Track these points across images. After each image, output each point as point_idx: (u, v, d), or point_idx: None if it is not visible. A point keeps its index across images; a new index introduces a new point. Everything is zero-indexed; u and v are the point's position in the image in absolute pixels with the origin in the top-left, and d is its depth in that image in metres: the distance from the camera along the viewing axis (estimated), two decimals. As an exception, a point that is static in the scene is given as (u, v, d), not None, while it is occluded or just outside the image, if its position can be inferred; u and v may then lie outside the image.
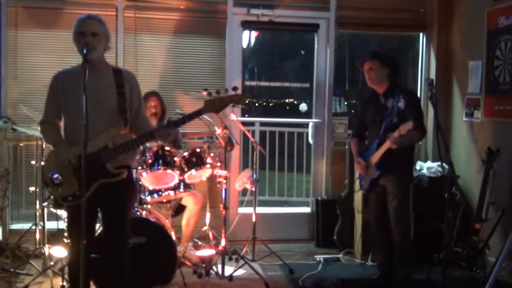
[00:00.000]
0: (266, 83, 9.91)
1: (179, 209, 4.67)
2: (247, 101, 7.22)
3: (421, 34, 5.72)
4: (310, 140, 5.71)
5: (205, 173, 4.45)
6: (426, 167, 5.17)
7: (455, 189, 4.60)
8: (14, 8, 4.92)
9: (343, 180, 5.34)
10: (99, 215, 3.23)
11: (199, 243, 4.80)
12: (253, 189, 4.84)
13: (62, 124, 3.18)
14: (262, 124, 7.14)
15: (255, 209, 4.83)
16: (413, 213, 4.68)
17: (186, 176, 4.33)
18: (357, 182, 4.40)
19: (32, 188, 4.49)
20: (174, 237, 3.93)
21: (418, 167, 5.26)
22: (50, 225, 4.37)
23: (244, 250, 4.68)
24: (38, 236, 4.42)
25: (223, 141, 4.34)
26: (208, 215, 4.77)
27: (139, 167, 4.14)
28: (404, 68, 6.05)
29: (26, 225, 4.72)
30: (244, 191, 5.17)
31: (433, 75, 5.54)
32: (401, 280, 4.11)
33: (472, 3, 5.15)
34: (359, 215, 4.92)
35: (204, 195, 4.77)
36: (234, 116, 4.69)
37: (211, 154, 4.44)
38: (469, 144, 5.12)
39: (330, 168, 5.56)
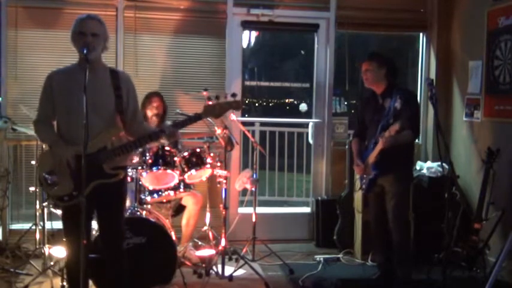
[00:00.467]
0: (266, 83, 9.92)
1: (179, 209, 4.67)
2: (247, 101, 7.23)
3: (421, 34, 5.72)
4: (310, 140, 5.71)
5: (205, 173, 4.45)
6: (426, 167, 5.17)
7: (455, 189, 4.60)
8: (14, 8, 4.92)
9: (343, 180, 5.34)
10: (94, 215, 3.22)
11: (199, 243, 4.80)
12: (253, 189, 4.84)
13: (55, 123, 3.16)
14: (262, 124, 7.14)
15: (255, 209, 4.83)
16: (413, 213, 4.69)
17: (186, 176, 4.33)
18: (358, 182, 4.40)
19: (32, 188, 4.48)
20: (174, 237, 3.93)
21: (418, 167, 5.26)
22: (50, 225, 4.36)
23: (244, 250, 4.68)
24: (38, 236, 4.42)
25: (223, 141, 4.34)
26: (208, 215, 4.77)
27: (139, 167, 4.14)
28: (404, 68, 6.06)
29: (26, 225, 4.72)
30: (244, 191, 5.17)
31: (433, 75, 5.54)
32: (401, 280, 4.11)
33: (472, 3, 5.15)
34: (359, 215, 4.92)
35: (204, 195, 4.78)
36: (234, 116, 4.69)
37: (211, 154, 4.44)
38: (469, 144, 5.12)
39: (330, 168, 5.56)
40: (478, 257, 4.14)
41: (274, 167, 6.93)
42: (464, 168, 5.06)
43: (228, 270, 4.28)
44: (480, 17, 4.90)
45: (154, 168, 4.15)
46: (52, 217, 4.26)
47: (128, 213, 3.91)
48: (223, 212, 4.32)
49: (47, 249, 4.21)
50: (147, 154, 4.17)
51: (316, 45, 5.59)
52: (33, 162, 4.47)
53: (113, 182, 3.04)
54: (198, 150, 4.40)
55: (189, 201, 4.58)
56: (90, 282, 3.39)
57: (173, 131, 3.17)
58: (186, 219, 4.60)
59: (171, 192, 4.33)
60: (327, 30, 5.51)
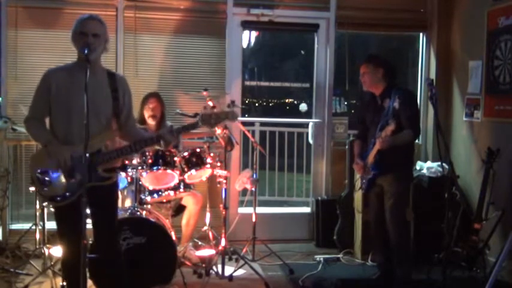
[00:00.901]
0: (266, 83, 9.93)
1: (179, 209, 4.67)
2: (247, 101, 7.23)
3: (421, 34, 5.72)
4: (310, 140, 5.71)
5: (205, 173, 4.45)
6: (426, 167, 5.17)
7: (455, 189, 4.60)
8: (14, 8, 4.92)
9: (343, 180, 5.34)
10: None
11: (199, 243, 4.80)
12: (253, 189, 4.84)
13: (47, 122, 3.13)
14: (262, 124, 7.14)
15: (255, 209, 4.83)
16: (413, 213, 4.69)
17: (186, 176, 4.33)
18: (358, 182, 4.41)
19: (32, 188, 4.47)
20: (174, 237, 3.93)
21: (418, 167, 5.26)
22: (50, 225, 4.36)
23: (244, 250, 4.68)
24: (38, 236, 4.42)
25: (223, 141, 4.34)
26: (208, 215, 4.77)
27: (139, 167, 4.14)
28: (404, 68, 6.06)
29: (26, 225, 4.72)
30: (244, 191, 5.17)
31: (433, 75, 5.54)
32: (400, 280, 4.11)
33: (472, 3, 5.15)
34: (359, 215, 4.92)
35: (204, 195, 4.78)
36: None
37: (211, 154, 4.44)
38: (469, 144, 5.12)
39: (330, 168, 5.56)
40: (478, 257, 4.14)
41: (274, 167, 6.93)
42: (464, 168, 5.06)
43: (228, 270, 4.28)
44: (480, 17, 4.90)
45: (154, 168, 4.15)
46: (52, 217, 4.24)
47: (128, 213, 3.92)
48: (223, 212, 4.32)
49: (47, 249, 4.21)
50: (147, 154, 4.17)
51: (316, 45, 5.59)
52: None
53: (106, 184, 3.05)
54: (198, 150, 4.40)
55: (189, 201, 4.58)
56: (90, 283, 3.38)
57: (170, 139, 3.14)
58: (186, 219, 4.60)
59: (171, 192, 4.33)
60: (327, 30, 5.51)
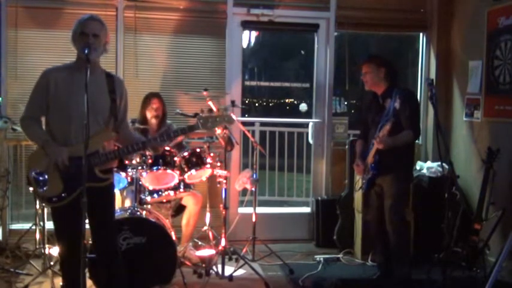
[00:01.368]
0: (266, 83, 9.93)
1: (179, 209, 4.67)
2: (247, 101, 7.23)
3: (421, 34, 5.72)
4: (310, 140, 5.71)
5: (205, 173, 4.45)
6: (426, 167, 5.17)
7: (455, 189, 4.60)
8: (14, 8, 4.92)
9: (343, 180, 5.34)
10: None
11: (199, 243, 4.80)
12: (253, 189, 4.84)
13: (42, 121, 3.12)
14: (262, 124, 7.14)
15: (255, 209, 4.83)
16: (413, 213, 4.69)
17: (186, 176, 4.33)
18: (359, 182, 4.41)
19: (31, 188, 4.47)
20: (174, 237, 3.92)
21: (418, 167, 5.26)
22: (50, 225, 4.35)
23: (244, 250, 4.68)
24: (38, 236, 4.42)
25: (223, 141, 4.34)
26: (208, 215, 4.77)
27: (139, 167, 4.14)
28: (404, 68, 6.06)
29: (26, 225, 4.72)
30: (244, 191, 5.17)
31: (433, 75, 5.54)
32: (399, 280, 4.11)
33: (472, 3, 5.15)
34: (359, 215, 4.92)
35: (204, 195, 4.77)
36: (234, 116, 4.68)
37: (211, 154, 4.44)
38: (469, 144, 5.12)
39: (330, 168, 5.56)
40: (478, 257, 4.14)
41: (274, 167, 6.93)
42: (464, 168, 5.06)
43: (228, 270, 4.28)
44: (480, 17, 4.90)
45: (154, 168, 4.16)
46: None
47: (127, 213, 3.92)
48: (223, 212, 4.32)
49: (47, 249, 4.21)
50: (147, 154, 4.17)
51: (316, 45, 5.59)
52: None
53: (103, 185, 3.05)
54: (198, 150, 4.40)
55: (189, 201, 4.58)
56: (90, 283, 3.38)
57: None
58: (186, 219, 4.60)
59: (171, 192, 4.33)
60: (327, 30, 5.51)
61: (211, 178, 4.64)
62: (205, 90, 4.41)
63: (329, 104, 5.56)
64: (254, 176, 4.78)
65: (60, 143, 2.98)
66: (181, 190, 4.40)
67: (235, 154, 5.33)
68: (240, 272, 4.40)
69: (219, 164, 4.43)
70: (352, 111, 6.69)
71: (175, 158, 4.25)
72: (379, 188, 4.16)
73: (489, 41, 4.79)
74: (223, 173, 4.36)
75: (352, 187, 5.07)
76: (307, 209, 5.76)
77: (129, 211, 3.96)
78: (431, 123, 5.52)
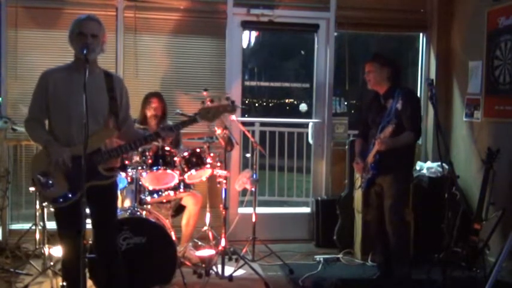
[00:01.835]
0: (266, 83, 9.93)
1: (179, 209, 4.66)
2: (247, 101, 7.23)
3: (421, 34, 5.72)
4: (310, 140, 5.71)
5: (205, 173, 4.45)
6: (426, 167, 5.17)
7: (455, 189, 4.60)
8: (14, 8, 4.92)
9: (343, 180, 5.34)
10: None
11: (199, 243, 4.80)
12: (253, 189, 4.84)
13: (46, 123, 3.13)
14: (262, 124, 7.14)
15: (254, 209, 4.83)
16: (413, 213, 4.69)
17: (186, 176, 4.32)
18: (359, 180, 4.41)
19: (32, 188, 4.46)
20: (174, 237, 3.92)
21: (418, 167, 5.26)
22: (50, 225, 4.36)
23: (244, 250, 4.68)
24: (38, 236, 4.42)
25: (223, 141, 4.33)
26: (208, 215, 4.77)
27: (139, 167, 4.14)
28: (404, 68, 6.05)
29: (26, 225, 4.72)
30: (244, 191, 5.17)
31: (433, 75, 5.54)
32: (399, 280, 4.11)
33: (472, 3, 5.15)
34: (359, 215, 4.91)
35: (204, 195, 4.77)
36: (234, 116, 4.69)
37: (211, 154, 4.44)
38: (469, 144, 5.12)
39: (330, 168, 5.56)
40: (478, 257, 4.14)
41: (274, 167, 6.93)
42: (464, 168, 5.06)
43: (228, 270, 4.28)
44: (480, 17, 4.90)
45: (154, 168, 4.15)
46: (52, 217, 4.24)
47: (127, 213, 3.91)
48: (223, 212, 4.32)
49: (47, 249, 4.21)
50: (147, 154, 4.17)
51: (316, 45, 5.59)
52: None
53: (107, 183, 3.05)
54: (198, 150, 4.40)
55: (189, 202, 4.58)
56: (90, 283, 3.38)
57: (168, 135, 3.16)
58: (186, 219, 4.60)
59: (171, 192, 4.32)
60: (327, 31, 5.51)
61: (211, 178, 4.64)
62: (205, 90, 4.41)
63: (329, 104, 5.56)
64: (254, 176, 4.78)
65: (63, 143, 2.99)
66: (181, 190, 4.40)
67: (235, 154, 5.33)
68: (240, 272, 4.40)
69: (219, 164, 4.43)
70: (352, 111, 6.68)
71: (175, 158, 4.25)
72: (379, 188, 4.16)
73: (489, 41, 4.79)
74: (223, 173, 4.36)
75: (352, 187, 5.07)
76: (307, 209, 5.76)
77: (129, 211, 3.96)
78: (431, 123, 5.52)
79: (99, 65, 3.16)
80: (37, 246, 4.43)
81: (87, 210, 3.06)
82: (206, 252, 4.55)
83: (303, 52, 8.77)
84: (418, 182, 5.03)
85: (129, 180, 4.24)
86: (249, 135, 4.84)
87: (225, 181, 4.36)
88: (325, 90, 5.55)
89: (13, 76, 4.96)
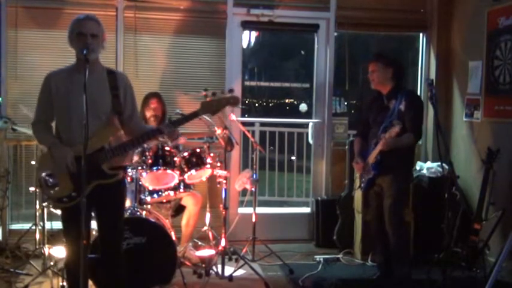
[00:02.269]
0: (266, 83, 9.92)
1: (179, 209, 4.66)
2: (247, 101, 7.22)
3: (421, 34, 5.72)
4: (310, 140, 5.71)
5: (205, 173, 4.45)
6: (426, 167, 5.17)
7: (455, 189, 4.60)
8: (14, 8, 4.92)
9: (343, 180, 5.34)
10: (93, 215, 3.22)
11: (199, 243, 4.80)
12: (253, 189, 4.84)
13: (53, 125, 3.16)
14: (262, 124, 7.14)
15: (254, 209, 4.83)
16: (413, 213, 4.69)
17: (186, 176, 4.33)
18: (358, 180, 4.40)
19: (32, 188, 4.48)
20: (174, 237, 3.93)
21: (418, 167, 5.26)
22: (50, 225, 4.36)
23: (244, 250, 4.68)
24: (38, 236, 4.42)
25: (223, 142, 4.33)
26: (208, 215, 4.77)
27: (139, 167, 4.14)
28: (405, 68, 6.04)
29: (26, 225, 4.72)
30: (244, 191, 5.17)
31: (433, 75, 5.54)
32: (399, 280, 4.11)
33: (472, 3, 5.15)
34: (359, 215, 4.91)
35: (204, 195, 4.77)
36: (234, 116, 4.69)
37: (211, 154, 4.44)
38: (469, 144, 5.12)
39: (330, 168, 5.56)
40: (478, 257, 4.14)
41: (274, 167, 6.93)
42: (464, 168, 5.06)
43: (228, 270, 4.28)
44: (480, 17, 4.90)
45: (154, 168, 4.16)
46: (52, 217, 4.26)
47: (127, 213, 3.91)
48: (223, 212, 4.32)
49: (47, 249, 4.21)
50: (147, 154, 4.17)
51: (316, 45, 5.59)
52: (33, 162, 4.47)
53: (112, 182, 3.05)
54: (198, 150, 4.40)
55: (189, 202, 4.58)
56: (90, 283, 3.39)
57: (172, 130, 3.16)
58: (186, 219, 4.60)
59: (171, 193, 4.32)
60: (327, 31, 5.51)
61: (211, 178, 4.64)
62: (205, 90, 4.41)
63: (329, 104, 5.56)
64: (254, 176, 4.78)
65: (67, 144, 3.01)
66: (181, 190, 4.40)
67: (235, 154, 5.33)
68: (240, 272, 4.40)
69: (219, 164, 4.43)
70: (352, 111, 6.68)
71: (175, 158, 4.25)
72: (378, 188, 4.16)
73: (489, 41, 4.79)
74: (223, 173, 4.36)
75: (352, 187, 5.07)
76: (307, 209, 5.76)
77: (129, 211, 3.96)
78: (431, 123, 5.52)
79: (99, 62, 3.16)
80: (37, 246, 4.43)
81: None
82: (206, 252, 4.55)
83: (303, 52, 8.76)
84: (418, 182, 5.04)
85: (129, 180, 4.24)
86: (249, 135, 4.84)
87: (225, 181, 4.36)
88: (325, 90, 5.55)
89: (13, 76, 4.96)
